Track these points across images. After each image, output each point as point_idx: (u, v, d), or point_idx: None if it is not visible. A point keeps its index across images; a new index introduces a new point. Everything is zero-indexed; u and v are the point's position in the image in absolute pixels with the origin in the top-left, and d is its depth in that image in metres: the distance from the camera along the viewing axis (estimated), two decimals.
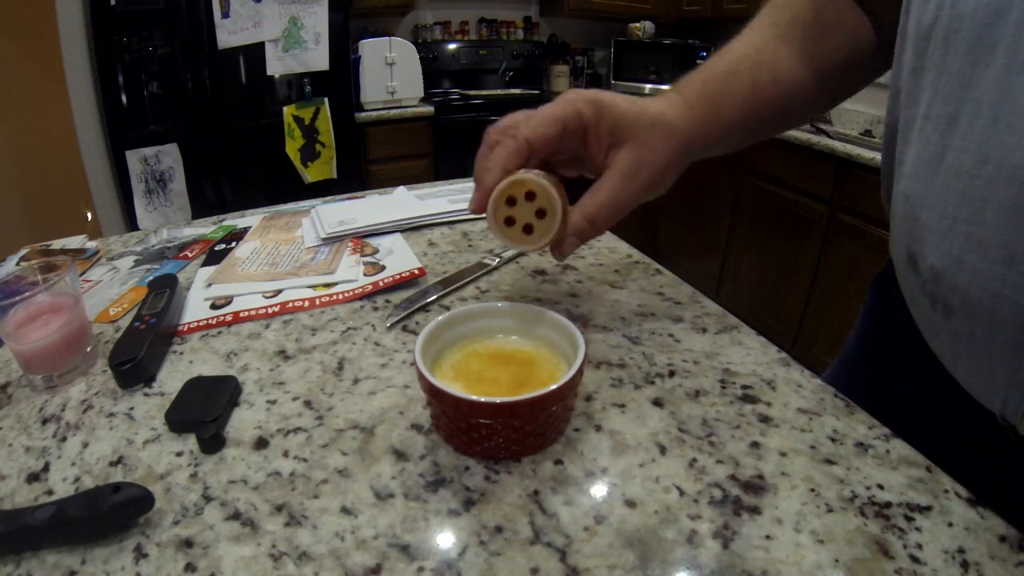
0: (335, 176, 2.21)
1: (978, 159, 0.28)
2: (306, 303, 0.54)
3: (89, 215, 1.99)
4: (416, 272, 0.58)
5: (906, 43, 0.36)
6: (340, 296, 0.55)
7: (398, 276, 0.57)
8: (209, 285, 0.58)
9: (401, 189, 0.86)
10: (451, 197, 0.80)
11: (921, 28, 0.33)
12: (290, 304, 0.54)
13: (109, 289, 0.59)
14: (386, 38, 2.29)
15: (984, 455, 0.36)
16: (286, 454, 0.35)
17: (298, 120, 2.09)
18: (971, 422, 0.36)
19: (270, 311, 0.53)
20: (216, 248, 0.67)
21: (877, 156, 1.28)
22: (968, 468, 0.33)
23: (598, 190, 0.40)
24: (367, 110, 2.28)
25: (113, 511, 0.29)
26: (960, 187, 0.30)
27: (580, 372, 0.34)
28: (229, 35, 1.93)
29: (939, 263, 0.32)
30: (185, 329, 0.50)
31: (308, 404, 0.40)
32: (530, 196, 0.38)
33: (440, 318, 0.38)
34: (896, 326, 0.44)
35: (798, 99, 0.45)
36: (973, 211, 0.29)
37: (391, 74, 2.29)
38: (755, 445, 0.35)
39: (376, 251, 0.64)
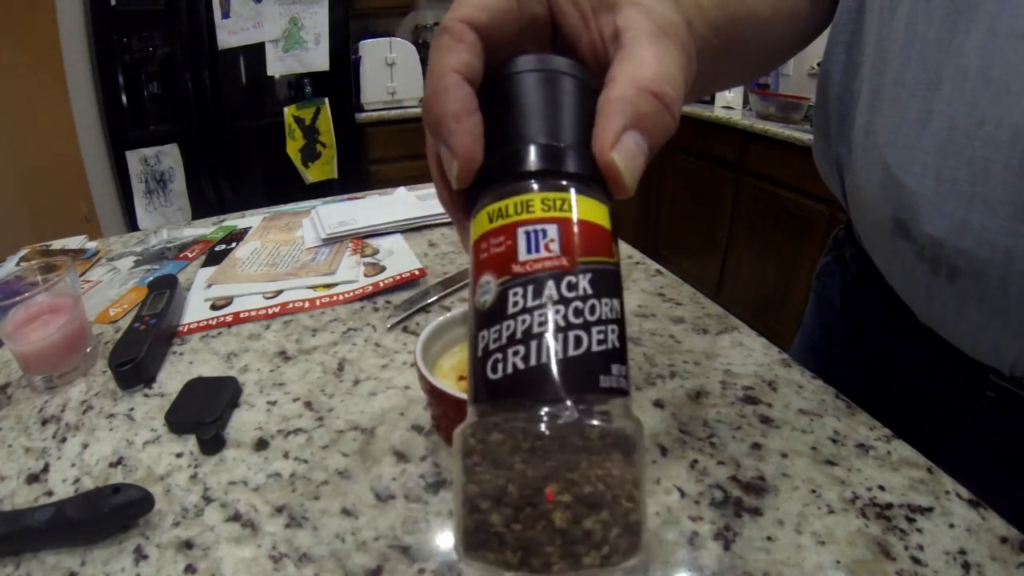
0: (336, 176, 2.21)
1: (974, 121, 0.29)
2: (306, 304, 0.54)
3: (88, 216, 1.99)
4: (417, 273, 0.58)
5: (864, 16, 0.37)
6: (340, 297, 0.55)
7: (399, 277, 0.57)
8: (209, 286, 0.57)
9: (401, 190, 0.86)
10: None
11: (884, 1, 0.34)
12: (290, 305, 0.54)
13: (109, 289, 0.59)
14: (386, 38, 2.28)
15: (957, 418, 0.38)
16: (286, 455, 0.35)
17: (299, 120, 2.09)
18: (946, 385, 0.38)
19: (270, 312, 0.52)
20: (216, 249, 0.67)
21: None
22: (932, 432, 0.36)
23: (632, 58, 0.21)
24: (367, 110, 2.27)
25: (113, 512, 0.29)
26: (955, 150, 0.30)
27: None
28: (229, 35, 1.93)
29: (940, 227, 0.31)
30: (185, 330, 0.50)
31: (308, 405, 0.40)
32: None
33: (441, 319, 0.38)
34: (868, 311, 0.45)
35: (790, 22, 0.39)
36: (975, 172, 0.29)
37: (391, 74, 2.28)
38: (756, 446, 0.35)
39: (377, 252, 0.64)
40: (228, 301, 0.55)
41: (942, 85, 0.30)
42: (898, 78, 0.33)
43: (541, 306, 0.17)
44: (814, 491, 0.32)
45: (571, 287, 0.18)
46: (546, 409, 0.17)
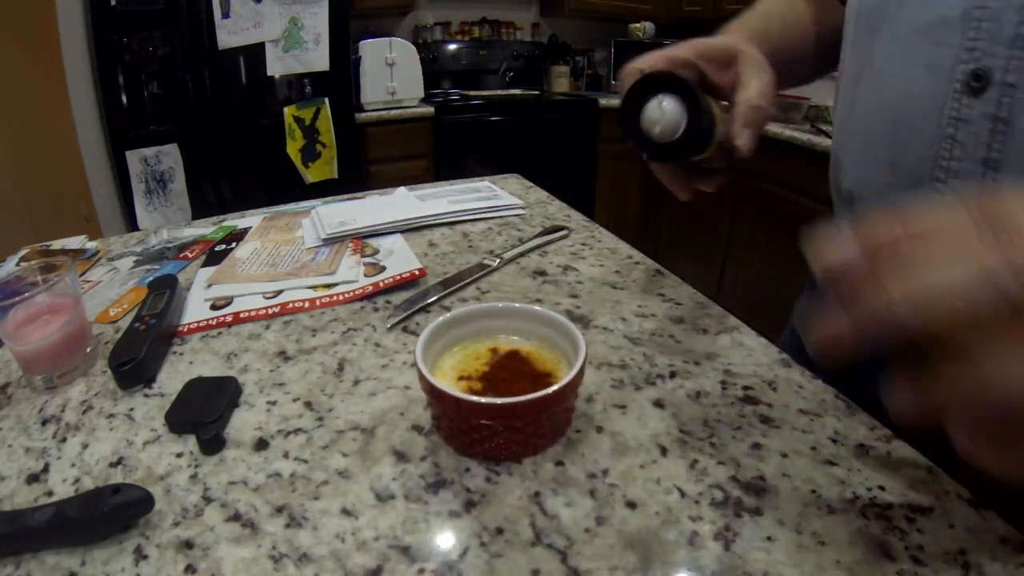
0: (336, 176, 2.21)
1: (876, 105, 0.41)
2: (306, 304, 0.54)
3: (88, 216, 1.98)
4: (416, 273, 0.58)
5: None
6: (340, 297, 0.55)
7: (399, 277, 0.57)
8: (209, 286, 0.57)
9: (401, 190, 0.86)
10: (451, 198, 0.80)
11: (849, 13, 0.45)
12: (290, 305, 0.54)
13: (109, 289, 0.59)
14: (386, 38, 2.28)
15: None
16: (286, 455, 0.35)
17: (299, 120, 2.09)
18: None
19: (270, 312, 0.52)
20: (216, 249, 0.67)
21: None
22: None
23: (746, 86, 0.42)
24: (367, 110, 2.27)
25: (113, 512, 0.29)
26: (866, 127, 0.42)
27: (581, 373, 0.34)
28: (229, 35, 1.93)
29: (852, 184, 0.44)
30: (185, 330, 0.50)
31: (308, 405, 0.40)
32: None
33: (441, 319, 0.38)
34: None
35: (810, 49, 0.54)
36: (869, 140, 0.42)
37: (391, 74, 2.28)
38: (756, 446, 0.35)
39: (376, 252, 0.64)
40: (228, 301, 0.55)
41: (863, 78, 0.42)
42: (841, 73, 0.46)
43: None
44: (814, 491, 0.32)
45: None
46: None
